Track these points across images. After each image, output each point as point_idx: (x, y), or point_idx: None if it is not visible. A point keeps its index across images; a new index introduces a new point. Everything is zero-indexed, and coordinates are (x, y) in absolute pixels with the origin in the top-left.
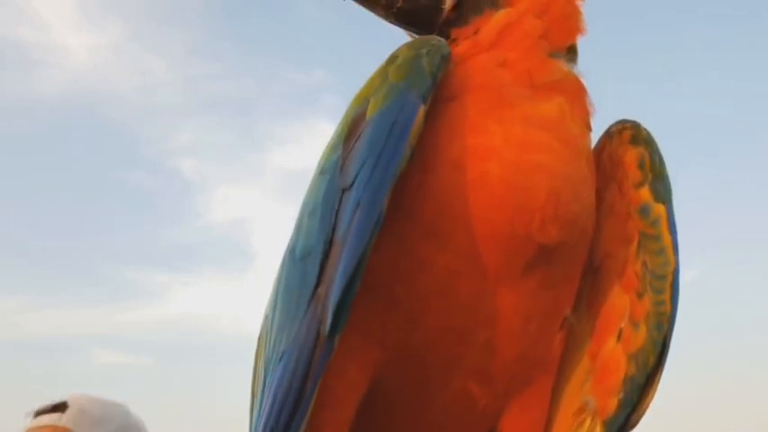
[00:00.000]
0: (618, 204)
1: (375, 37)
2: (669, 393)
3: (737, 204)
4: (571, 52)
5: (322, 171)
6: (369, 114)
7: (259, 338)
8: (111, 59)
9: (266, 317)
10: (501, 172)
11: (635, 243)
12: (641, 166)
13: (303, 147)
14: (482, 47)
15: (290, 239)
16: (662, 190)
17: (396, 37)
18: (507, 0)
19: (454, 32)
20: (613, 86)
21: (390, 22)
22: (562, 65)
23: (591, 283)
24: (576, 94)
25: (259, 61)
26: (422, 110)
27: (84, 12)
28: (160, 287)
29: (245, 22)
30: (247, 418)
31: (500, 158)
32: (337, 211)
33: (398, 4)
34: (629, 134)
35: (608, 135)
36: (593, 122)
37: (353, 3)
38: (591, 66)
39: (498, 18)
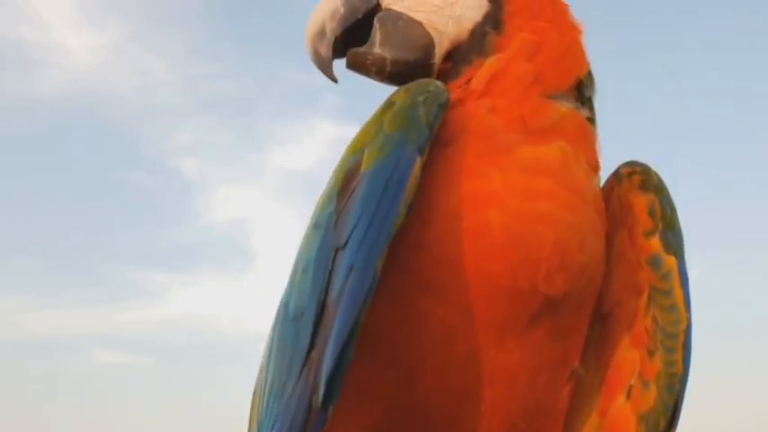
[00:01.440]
0: (628, 252)
1: None
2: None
3: (738, 204)
4: (578, 89)
5: (316, 225)
6: (363, 167)
7: (254, 393)
8: (112, 59)
9: (261, 370)
10: (502, 220)
11: (645, 295)
12: (652, 213)
13: (303, 147)
14: (472, 95)
15: (284, 293)
16: (673, 241)
17: None
18: (496, 46)
19: (447, 85)
20: (614, 86)
21: (385, 83)
22: (561, 106)
23: (599, 332)
24: (579, 135)
25: (259, 61)
26: (418, 163)
27: (84, 12)
28: (160, 287)
29: (246, 22)
30: (247, 417)
31: (501, 206)
32: (330, 271)
33: (388, 68)
34: (639, 179)
35: (617, 177)
36: (602, 161)
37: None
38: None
39: (487, 66)
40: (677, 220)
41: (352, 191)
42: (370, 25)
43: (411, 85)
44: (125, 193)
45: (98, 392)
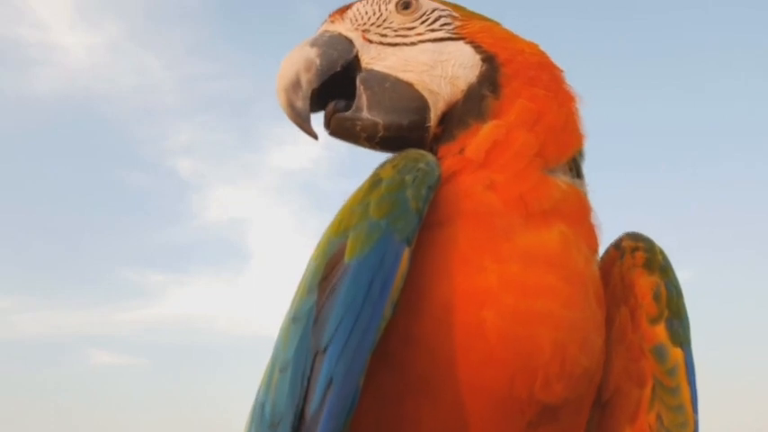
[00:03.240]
0: (630, 334)
1: None
2: None
3: (732, 205)
4: (573, 159)
5: (295, 318)
6: (347, 257)
7: None
8: (108, 58)
9: None
10: (498, 322)
11: (649, 388)
12: (657, 297)
13: (300, 147)
14: (469, 166)
15: (260, 392)
16: (680, 330)
17: None
18: (494, 111)
19: (441, 149)
20: (615, 89)
21: (375, 150)
22: (561, 182)
23: (599, 420)
24: (578, 215)
25: (257, 61)
26: (406, 255)
27: (80, 11)
28: (156, 287)
29: (243, 22)
30: (242, 418)
31: (497, 304)
32: (309, 378)
33: (380, 134)
34: (643, 257)
35: (618, 250)
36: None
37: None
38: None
39: (485, 134)
40: (684, 305)
41: (335, 285)
42: (346, 78)
43: (399, 160)
44: (121, 193)
45: (94, 392)
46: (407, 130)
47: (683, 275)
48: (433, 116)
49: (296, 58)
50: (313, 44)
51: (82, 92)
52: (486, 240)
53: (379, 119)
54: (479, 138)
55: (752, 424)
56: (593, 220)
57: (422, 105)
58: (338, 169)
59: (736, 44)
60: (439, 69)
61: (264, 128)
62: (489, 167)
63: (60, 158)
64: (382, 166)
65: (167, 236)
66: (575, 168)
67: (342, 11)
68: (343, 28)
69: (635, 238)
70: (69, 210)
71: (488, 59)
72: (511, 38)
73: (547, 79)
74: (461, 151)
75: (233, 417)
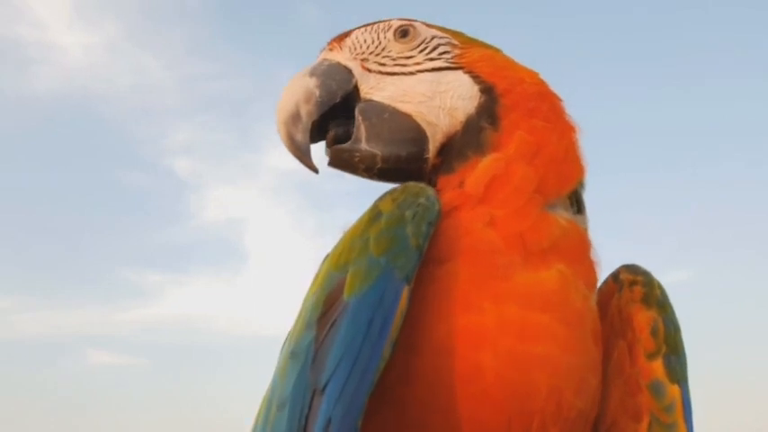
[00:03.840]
0: (627, 368)
1: None
2: None
3: (731, 206)
4: (575, 191)
5: (293, 354)
6: (347, 294)
7: None
8: (107, 58)
9: None
10: (495, 364)
11: (645, 423)
12: (654, 333)
13: None
14: (468, 201)
15: (257, 424)
16: (677, 367)
17: None
18: (493, 143)
19: (440, 180)
20: (614, 89)
21: (373, 180)
22: (561, 219)
23: None
24: (577, 253)
25: (256, 61)
26: (405, 293)
27: (80, 10)
28: (154, 287)
29: (243, 22)
30: (241, 418)
31: (494, 347)
32: (308, 416)
33: (378, 166)
34: (641, 291)
35: (617, 283)
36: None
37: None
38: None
39: (484, 168)
40: (681, 341)
41: (334, 322)
42: (345, 109)
43: (399, 193)
44: (120, 193)
45: (92, 392)
46: (406, 161)
47: (682, 275)
48: (432, 148)
49: (295, 89)
50: (312, 73)
51: (80, 91)
52: (485, 279)
53: (378, 150)
54: (478, 172)
55: (752, 424)
56: (593, 257)
57: (420, 137)
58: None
59: (737, 45)
60: (437, 100)
61: (263, 128)
62: (489, 203)
63: (59, 158)
64: (382, 198)
65: (166, 236)
66: (575, 202)
67: (340, 38)
68: (342, 57)
69: (633, 271)
70: (68, 210)
71: (487, 90)
72: (510, 66)
73: (546, 110)
74: (461, 185)
75: (232, 416)
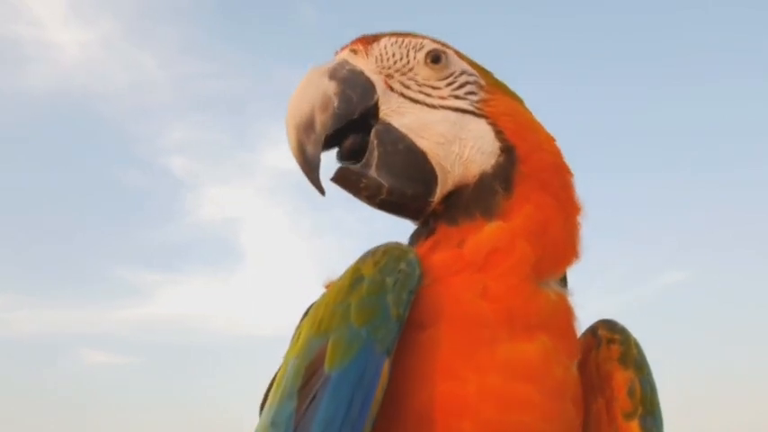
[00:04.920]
0: (605, 426)
1: None
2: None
3: (728, 207)
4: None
5: (274, 423)
6: (328, 366)
7: None
8: (103, 57)
9: None
10: None
11: None
12: (631, 393)
13: None
14: (465, 266)
15: None
16: (653, 428)
17: None
18: (503, 210)
19: (439, 229)
20: (615, 89)
21: (373, 207)
22: (551, 293)
23: None
24: (562, 326)
25: (253, 60)
26: (386, 366)
27: (75, 9)
28: (150, 286)
29: (239, 21)
30: (237, 418)
31: (475, 416)
32: None
33: (382, 196)
34: (619, 351)
35: (595, 338)
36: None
37: (340, 180)
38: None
39: (489, 236)
40: (657, 402)
41: (314, 395)
42: (358, 119)
43: (381, 256)
44: (115, 191)
45: (87, 391)
46: (410, 198)
47: (680, 276)
48: (439, 193)
49: (311, 92)
50: (331, 76)
51: (76, 90)
52: (468, 349)
53: (385, 181)
54: (482, 238)
55: (749, 424)
56: (576, 327)
57: (430, 179)
58: (333, 169)
59: (736, 45)
60: (456, 146)
61: (259, 127)
62: (485, 273)
63: (55, 156)
64: (364, 260)
65: (162, 235)
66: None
67: (367, 41)
68: (367, 66)
69: (611, 328)
70: (63, 208)
71: (507, 150)
72: (532, 127)
73: (558, 186)
74: (460, 244)
75: (228, 416)
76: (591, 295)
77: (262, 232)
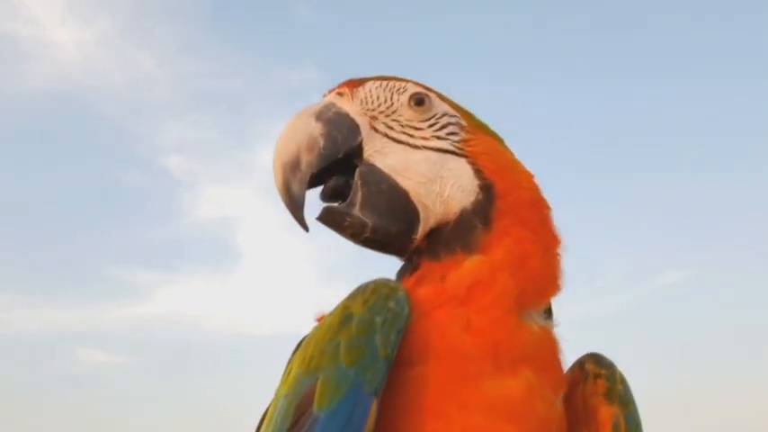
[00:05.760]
0: None
1: (368, 37)
2: (654, 394)
3: (725, 207)
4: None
5: None
6: (317, 407)
7: None
8: (101, 56)
9: None
10: None
11: None
12: (615, 429)
13: None
14: (448, 300)
15: None
16: None
17: (388, 42)
18: (483, 244)
19: (423, 264)
20: (614, 89)
21: (357, 245)
22: (534, 326)
23: None
24: (546, 360)
25: (251, 59)
26: (374, 407)
27: (72, 7)
28: (147, 285)
29: (237, 21)
30: (233, 417)
31: None
32: None
33: (366, 234)
34: (605, 386)
35: (582, 372)
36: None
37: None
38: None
39: (470, 269)
40: None
41: None
42: (343, 160)
43: (370, 294)
44: (112, 190)
45: (83, 390)
46: (394, 236)
47: (677, 276)
48: (422, 230)
49: (298, 133)
50: (318, 118)
51: (74, 88)
52: (454, 386)
53: (369, 220)
54: (463, 272)
55: (745, 424)
56: (560, 358)
57: (413, 217)
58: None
59: (736, 45)
60: (437, 185)
61: (257, 127)
62: (468, 306)
63: (52, 155)
64: (354, 298)
65: (158, 234)
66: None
67: (353, 85)
68: (352, 108)
69: (598, 363)
70: (61, 207)
71: (486, 188)
72: (511, 167)
73: (536, 221)
74: (442, 278)
75: (224, 414)
76: (590, 295)
77: (259, 232)
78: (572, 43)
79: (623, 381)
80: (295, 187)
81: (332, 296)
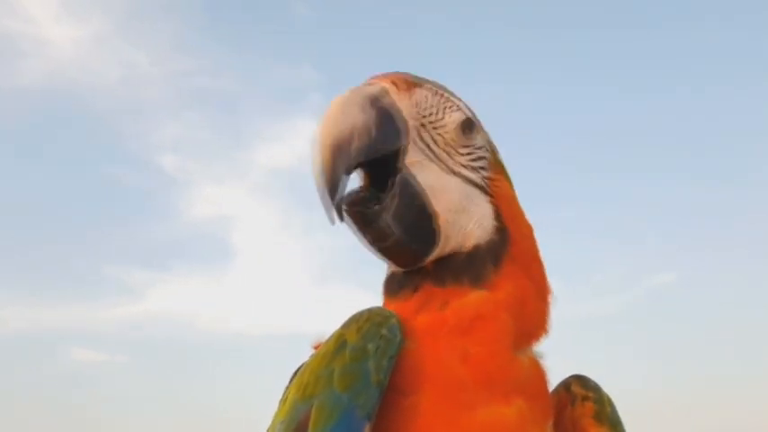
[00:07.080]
0: None
1: (364, 37)
2: (653, 394)
3: (717, 208)
4: None
5: None
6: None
7: None
8: (95, 54)
9: None
10: None
11: None
12: None
13: (288, 145)
14: (449, 330)
15: None
16: None
17: (385, 42)
18: (489, 282)
19: (425, 285)
20: (615, 89)
21: (367, 249)
22: (526, 359)
23: None
24: (536, 389)
25: (246, 58)
26: (367, 430)
27: (68, 6)
28: (141, 285)
29: (233, 18)
30: (228, 418)
31: None
32: None
33: (386, 243)
34: (593, 409)
35: (569, 394)
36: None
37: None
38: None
39: (475, 302)
40: None
41: None
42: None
43: (364, 321)
44: (106, 189)
45: (76, 389)
46: (409, 254)
47: (668, 278)
48: (435, 255)
49: (355, 114)
50: (373, 104)
51: (69, 86)
52: (448, 413)
53: (396, 231)
54: (467, 303)
55: (740, 425)
56: (548, 386)
57: (433, 240)
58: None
59: (736, 46)
60: (463, 218)
61: (252, 126)
62: (468, 337)
63: (46, 153)
64: (348, 325)
65: (152, 233)
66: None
67: (411, 83)
68: (407, 108)
69: (584, 385)
70: (54, 205)
71: (501, 231)
72: (521, 215)
73: (535, 272)
74: (443, 306)
75: (218, 414)
76: (587, 296)
77: (254, 231)
78: (572, 43)
79: (611, 403)
80: (339, 172)
81: (327, 296)
